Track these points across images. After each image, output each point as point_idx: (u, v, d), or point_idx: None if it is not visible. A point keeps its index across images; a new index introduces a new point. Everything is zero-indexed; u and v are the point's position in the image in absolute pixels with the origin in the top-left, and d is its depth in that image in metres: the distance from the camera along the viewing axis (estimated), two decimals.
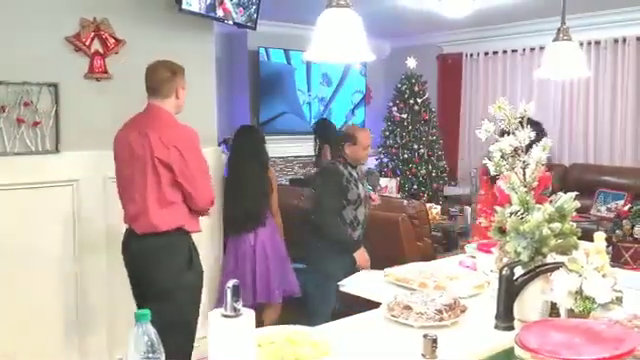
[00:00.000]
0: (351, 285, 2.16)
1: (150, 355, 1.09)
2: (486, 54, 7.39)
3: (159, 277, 2.62)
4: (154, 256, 2.63)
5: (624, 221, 3.32)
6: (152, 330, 1.09)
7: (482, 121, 1.67)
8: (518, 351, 1.30)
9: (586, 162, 6.48)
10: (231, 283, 0.95)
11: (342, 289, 2.16)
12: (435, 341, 1.46)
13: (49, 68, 3.07)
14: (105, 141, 3.26)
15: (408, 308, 1.70)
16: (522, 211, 1.67)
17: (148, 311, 1.06)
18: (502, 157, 1.64)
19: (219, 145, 4.38)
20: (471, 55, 7.55)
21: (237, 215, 3.71)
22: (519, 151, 1.64)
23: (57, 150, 3.10)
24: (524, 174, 1.67)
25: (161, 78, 2.71)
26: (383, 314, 1.75)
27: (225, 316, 0.93)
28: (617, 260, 3.46)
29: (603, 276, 1.62)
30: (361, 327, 1.73)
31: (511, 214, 1.69)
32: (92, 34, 3.20)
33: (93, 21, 3.19)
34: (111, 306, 3.26)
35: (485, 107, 8.41)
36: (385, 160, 7.53)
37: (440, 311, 1.68)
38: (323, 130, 5.67)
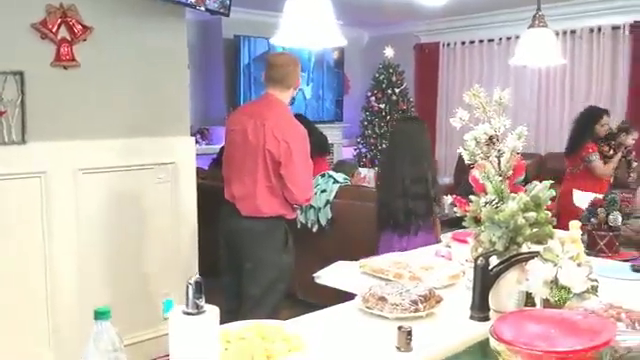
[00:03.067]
0: (326, 277, 2.12)
1: (111, 355, 1.04)
2: (463, 43, 7.40)
3: (257, 256, 2.88)
4: (254, 237, 2.87)
5: (599, 209, 3.32)
6: (113, 329, 1.04)
7: (456, 110, 1.63)
8: (493, 342, 1.27)
9: (562, 151, 6.52)
10: (193, 279, 0.90)
11: (317, 281, 2.12)
12: (409, 333, 1.43)
13: (14, 56, 2.96)
14: (74, 131, 3.17)
15: (383, 299, 1.67)
16: (497, 200, 1.65)
17: (108, 309, 1.01)
18: (477, 145, 1.61)
19: (193, 135, 4.30)
20: (448, 44, 7.55)
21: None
22: (494, 139, 1.61)
23: (23, 141, 3.00)
24: (499, 163, 1.65)
25: (287, 70, 2.89)
26: (358, 306, 1.71)
27: (187, 313, 0.89)
28: (592, 248, 3.47)
29: (578, 265, 1.60)
30: (335, 319, 1.69)
31: (486, 203, 1.66)
32: (59, 20, 3.09)
33: (60, 7, 3.08)
34: (82, 302, 3.18)
35: (462, 97, 8.51)
36: (363, 150, 7.52)
37: (415, 302, 1.65)
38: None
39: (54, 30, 3.08)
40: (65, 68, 3.13)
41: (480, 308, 1.65)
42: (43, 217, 3.08)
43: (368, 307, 1.67)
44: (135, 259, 3.44)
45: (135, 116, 3.37)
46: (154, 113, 3.44)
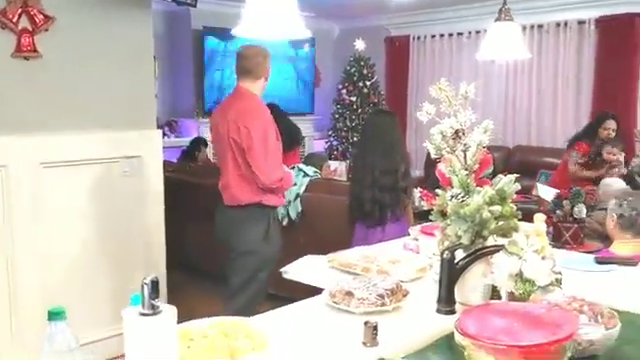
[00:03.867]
0: (294, 272, 2.10)
1: (66, 355, 1.01)
2: (433, 37, 7.44)
3: (238, 244, 2.99)
4: (234, 225, 2.99)
5: (564, 201, 3.38)
6: (68, 329, 1.01)
7: (422, 103, 1.63)
8: (457, 337, 1.27)
9: (529, 144, 6.62)
10: (149, 278, 0.88)
11: (285, 276, 2.10)
12: (375, 328, 1.43)
13: None
14: (36, 123, 3.08)
15: (350, 294, 1.66)
16: (463, 194, 1.65)
17: (63, 309, 0.98)
18: (443, 139, 1.61)
19: (161, 128, 4.23)
20: (418, 38, 7.58)
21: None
22: (460, 133, 1.61)
23: None
24: (465, 157, 1.65)
25: (257, 61, 2.97)
26: (325, 301, 1.70)
27: (142, 314, 0.86)
28: (558, 240, 3.53)
29: (542, 258, 1.62)
30: (302, 315, 1.68)
31: (452, 197, 1.66)
32: (19, 10, 3.00)
33: None
34: (45, 300, 3.11)
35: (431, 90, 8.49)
36: (335, 143, 7.51)
37: (382, 296, 1.65)
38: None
39: (14, 20, 2.99)
40: (26, 59, 3.04)
41: (446, 301, 1.65)
42: (4, 212, 2.99)
43: (335, 302, 1.66)
44: (100, 255, 3.37)
45: (99, 108, 3.30)
46: (119, 105, 3.37)
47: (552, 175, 5.26)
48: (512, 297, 1.62)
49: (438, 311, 1.66)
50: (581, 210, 3.35)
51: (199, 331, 1.32)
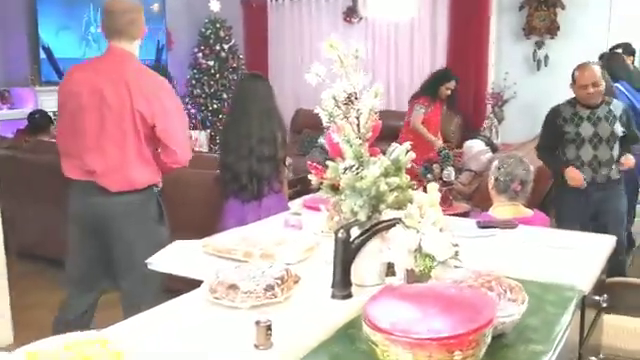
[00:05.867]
0: (161, 262, 1.82)
1: None
2: None
3: (133, 235, 2.50)
4: (128, 214, 2.50)
5: (434, 165, 3.42)
6: None
7: (309, 66, 1.42)
8: (367, 331, 1.11)
9: (388, 108, 6.73)
10: None
11: (151, 267, 1.82)
12: (269, 328, 1.23)
13: None
14: None
15: (234, 287, 1.43)
16: (357, 166, 1.48)
17: None
18: (335, 105, 1.42)
19: None
20: (276, 0, 7.32)
21: None
22: (352, 98, 1.43)
23: None
24: (358, 124, 1.48)
25: (130, 18, 2.49)
26: (204, 296, 1.46)
27: None
28: None
29: (440, 230, 1.51)
30: (177, 316, 1.42)
31: (345, 169, 1.49)
32: None
33: None
34: None
35: (293, 54, 8.31)
36: (193, 111, 7.08)
37: (271, 286, 1.44)
38: None
39: None
40: None
41: (342, 285, 1.49)
42: None
43: (216, 298, 1.42)
44: None
45: None
46: None
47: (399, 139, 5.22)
48: (411, 275, 1.50)
49: (334, 296, 1.49)
50: (450, 173, 3.41)
51: (52, 356, 1.03)
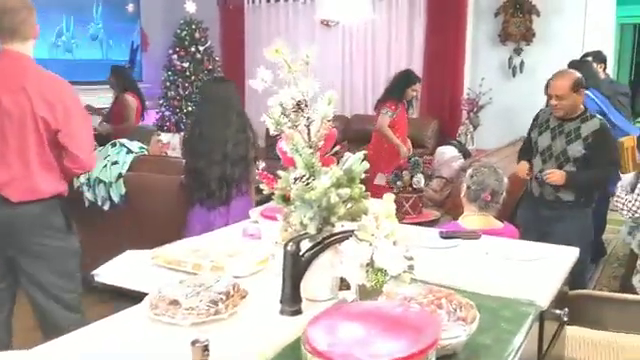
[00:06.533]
0: (109, 273, 1.74)
1: None
2: (268, 1, 7.16)
3: (41, 247, 2.39)
4: (32, 224, 2.37)
5: (404, 172, 3.37)
6: None
7: (258, 68, 1.36)
8: (305, 354, 1.05)
9: (366, 112, 6.70)
10: None
11: (97, 279, 1.73)
12: (206, 348, 1.15)
13: None
14: None
15: (175, 303, 1.36)
16: (307, 176, 1.42)
17: None
18: (283, 113, 1.36)
19: None
20: (253, 2, 7.25)
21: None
22: (302, 105, 1.37)
23: None
24: (309, 132, 1.42)
25: (21, 18, 2.31)
26: (145, 312, 1.39)
27: None
28: (398, 211, 3.48)
29: (394, 243, 1.46)
30: (115, 335, 1.35)
31: (295, 180, 1.43)
32: None
33: None
34: None
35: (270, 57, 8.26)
36: (167, 114, 6.97)
37: (215, 302, 1.38)
38: (121, 78, 5.23)
39: None
40: None
41: (291, 301, 1.43)
42: None
43: (157, 314, 1.35)
44: None
45: None
46: None
47: (367, 149, 5.11)
48: (363, 290, 1.45)
49: (282, 312, 1.43)
50: (420, 180, 3.37)
51: None
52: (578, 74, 3.12)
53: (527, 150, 3.31)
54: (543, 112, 3.26)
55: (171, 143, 6.05)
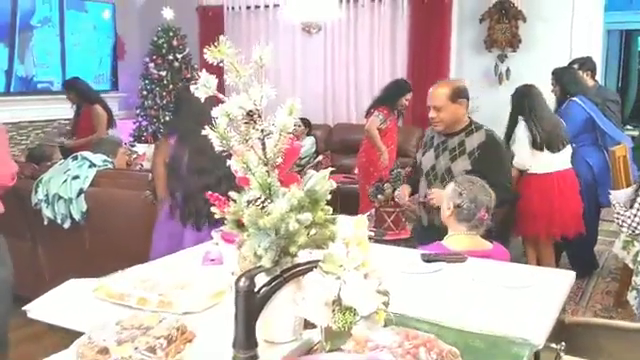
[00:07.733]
0: (42, 308, 1.51)
1: None
2: (248, 8, 6.97)
3: None
4: None
5: (385, 185, 3.17)
6: None
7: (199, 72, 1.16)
8: None
9: (349, 121, 6.50)
10: None
11: (30, 316, 1.51)
12: None
13: None
14: None
15: (105, 352, 1.15)
16: (263, 199, 1.21)
17: None
18: (230, 125, 1.15)
19: None
20: (233, 8, 7.06)
21: None
22: (254, 116, 1.17)
23: None
24: (264, 147, 1.21)
25: None
26: None
27: None
28: (380, 226, 3.33)
29: (365, 276, 1.25)
30: None
31: (249, 203, 1.22)
32: None
33: None
34: None
35: (249, 64, 8.09)
36: (144, 123, 6.74)
37: (153, 349, 1.16)
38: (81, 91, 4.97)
39: None
40: None
41: (245, 345, 1.21)
42: None
43: None
44: None
45: None
46: None
47: (359, 157, 4.91)
48: (329, 332, 1.24)
49: (234, 359, 1.22)
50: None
51: None
52: (459, 83, 2.80)
53: (415, 174, 2.93)
54: (430, 129, 2.84)
55: (147, 154, 5.81)
